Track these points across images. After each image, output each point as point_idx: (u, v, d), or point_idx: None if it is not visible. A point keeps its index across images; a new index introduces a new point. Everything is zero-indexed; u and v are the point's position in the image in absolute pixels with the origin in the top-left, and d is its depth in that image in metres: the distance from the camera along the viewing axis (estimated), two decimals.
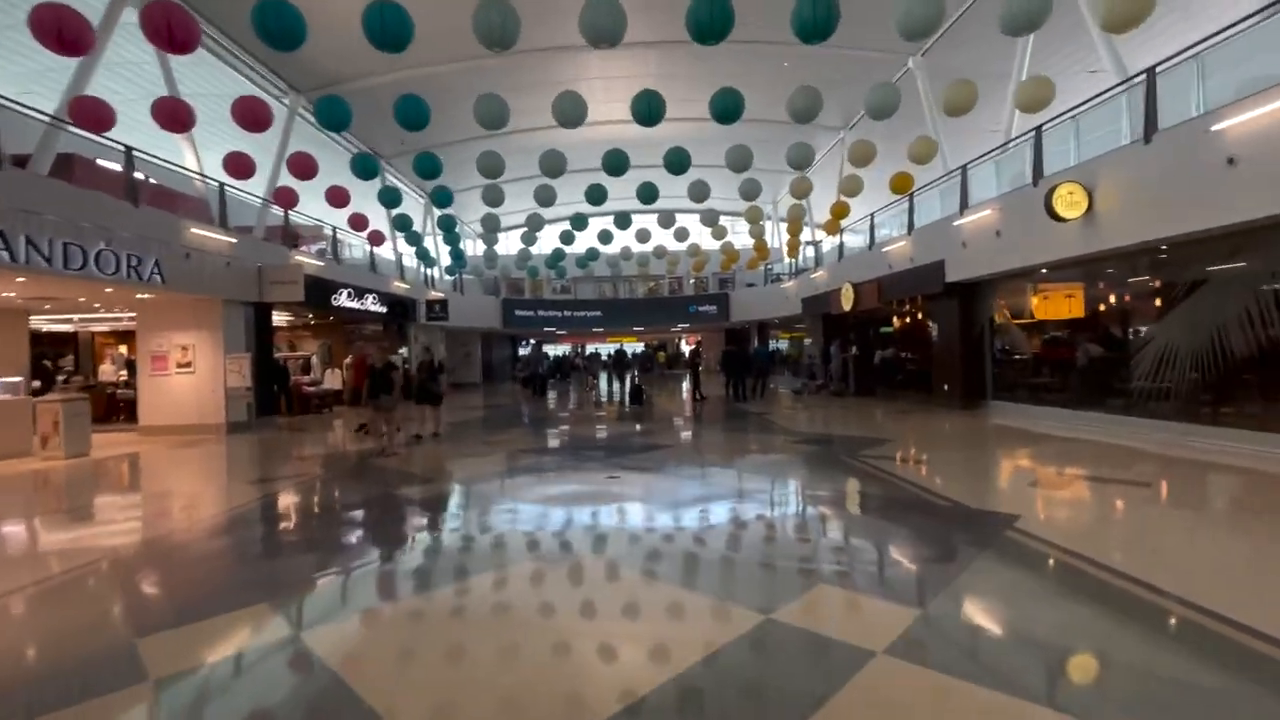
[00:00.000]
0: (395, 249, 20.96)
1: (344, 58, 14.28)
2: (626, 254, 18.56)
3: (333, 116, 7.75)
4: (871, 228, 16.53)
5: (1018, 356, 12.18)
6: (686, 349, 39.07)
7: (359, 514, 5.80)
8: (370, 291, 17.44)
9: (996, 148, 11.91)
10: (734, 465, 7.39)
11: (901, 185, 12.12)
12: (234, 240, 12.11)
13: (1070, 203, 8.90)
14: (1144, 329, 9.21)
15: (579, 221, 15.39)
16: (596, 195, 13.07)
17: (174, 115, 7.49)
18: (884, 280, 15.40)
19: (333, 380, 18.75)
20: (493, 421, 13.22)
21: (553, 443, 10.00)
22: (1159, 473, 6.38)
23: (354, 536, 5.10)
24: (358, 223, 14.24)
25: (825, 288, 19.10)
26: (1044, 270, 10.79)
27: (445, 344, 26.37)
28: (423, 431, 10.37)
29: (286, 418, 15.10)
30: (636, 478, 6.78)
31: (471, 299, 26.91)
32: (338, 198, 13.62)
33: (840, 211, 13.91)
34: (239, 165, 9.94)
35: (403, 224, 13.66)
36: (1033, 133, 10.30)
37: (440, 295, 22.07)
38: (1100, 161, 8.88)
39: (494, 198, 13.03)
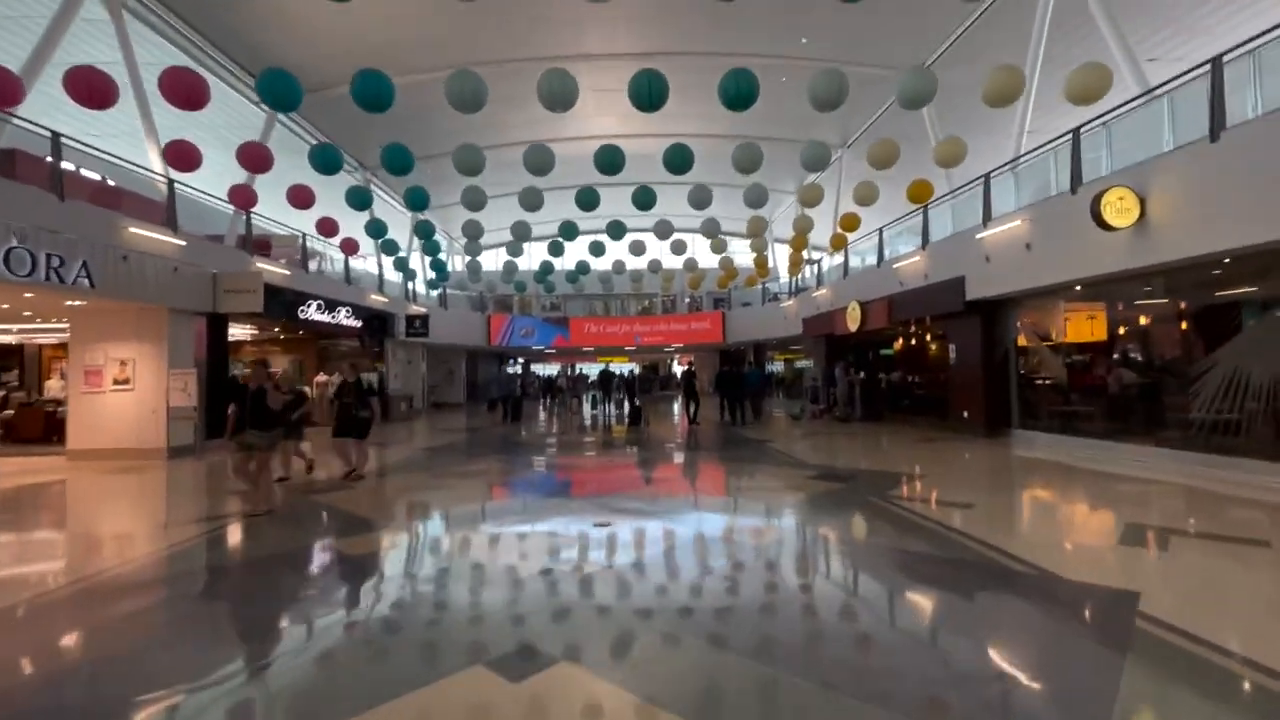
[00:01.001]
0: (379, 263, 19.79)
1: (327, 60, 13.27)
2: (619, 268, 17.49)
3: (276, 92, 6.62)
4: (880, 243, 15.59)
5: (1045, 381, 11.13)
6: (678, 370, 38.02)
7: (241, 585, 4.55)
8: (343, 305, 16.23)
9: (1028, 152, 10.97)
10: (746, 511, 6.21)
11: (920, 194, 11.17)
12: (182, 243, 10.90)
13: (1120, 210, 7.92)
14: (1202, 353, 8.18)
15: (568, 231, 14.23)
16: (588, 199, 11.95)
17: (90, 86, 6.33)
18: (895, 298, 14.40)
19: None
20: (461, 450, 11.95)
21: (527, 477, 8.77)
22: (1269, 525, 5.25)
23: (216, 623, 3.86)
24: (326, 228, 13.08)
25: (828, 307, 18.11)
26: (1078, 287, 9.81)
27: (426, 362, 25.13)
28: (353, 467, 7.83)
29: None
30: (629, 528, 5.58)
31: (456, 314, 25.71)
32: (300, 197, 12.45)
33: (850, 224, 12.94)
34: (182, 155, 8.78)
35: (377, 230, 12.51)
36: (1069, 136, 9.38)
37: (421, 310, 20.87)
38: (1155, 164, 7.92)
39: (475, 200, 11.88)
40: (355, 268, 19.30)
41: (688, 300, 30.59)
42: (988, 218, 11.15)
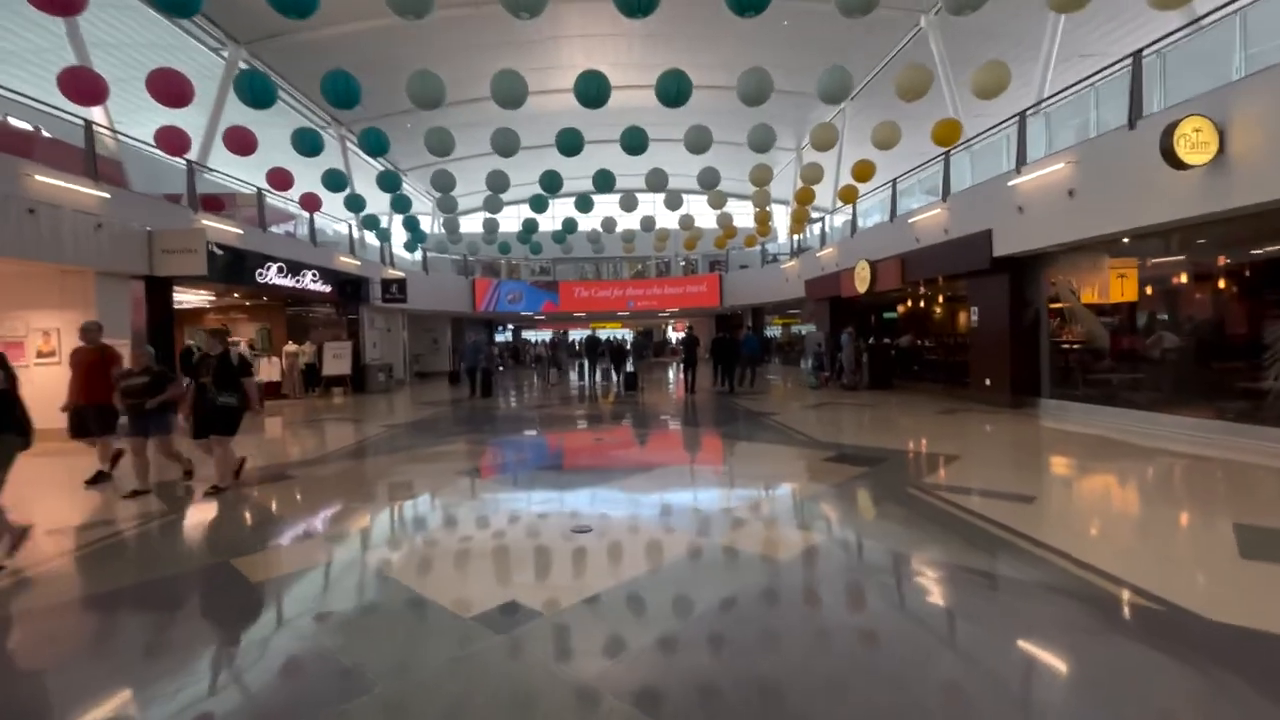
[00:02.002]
0: (350, 224, 18.31)
1: None
2: (610, 225, 16.11)
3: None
4: (894, 196, 14.28)
5: (1077, 346, 10.06)
6: (674, 336, 36.88)
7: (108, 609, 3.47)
8: (309, 267, 14.91)
9: (1083, 80, 9.61)
10: (759, 515, 5.10)
11: (947, 134, 9.88)
12: (105, 195, 9.53)
13: (1195, 143, 6.70)
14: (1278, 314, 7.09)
15: (550, 182, 12.80)
16: (570, 142, 10.57)
17: None
18: (908, 257, 13.22)
19: (269, 370, 16.25)
20: (422, 431, 10.85)
21: (497, 457, 7.71)
22: None
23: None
24: (278, 181, 11.65)
25: (833, 267, 16.92)
26: (1126, 240, 8.66)
27: (409, 330, 23.85)
28: (219, 482, 5.81)
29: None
30: (619, 530, 4.53)
31: (438, 279, 24.36)
32: (240, 141, 11.05)
33: (864, 172, 11.63)
34: (82, 85, 7.39)
35: (334, 182, 11.11)
36: (1128, 61, 8.07)
37: (399, 274, 19.51)
38: (1239, 89, 6.68)
39: (442, 142, 10.52)
40: (332, 230, 17.91)
41: (683, 263, 29.27)
42: (1022, 162, 9.89)
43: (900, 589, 3.47)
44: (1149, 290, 8.78)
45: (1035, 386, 10.53)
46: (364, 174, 19.76)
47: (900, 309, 21.74)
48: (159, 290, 10.71)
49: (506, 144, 10.53)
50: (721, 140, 14.33)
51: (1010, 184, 9.96)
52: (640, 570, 3.73)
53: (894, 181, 14.25)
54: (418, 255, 23.94)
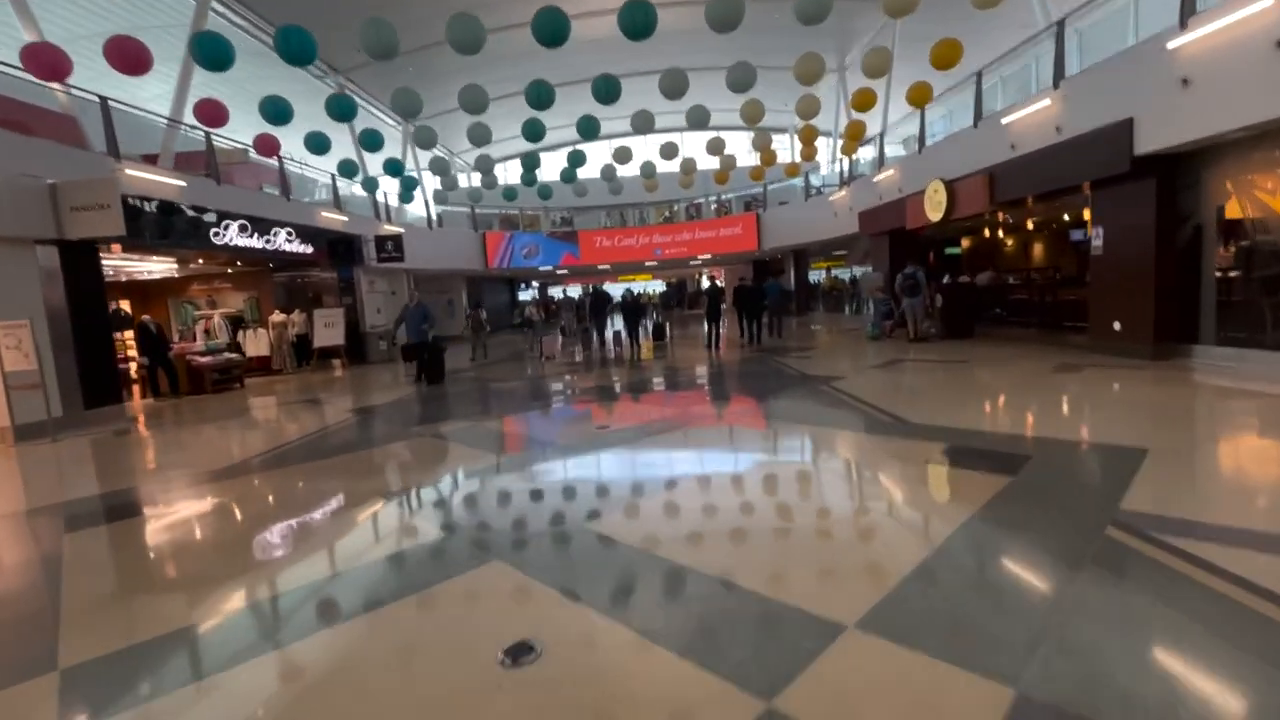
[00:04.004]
0: (366, 173, 16.28)
1: None
2: (624, 156, 13.61)
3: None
4: (978, 92, 11.27)
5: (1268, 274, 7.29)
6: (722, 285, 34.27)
7: None
8: (281, 225, 12.97)
9: None
10: (849, 595, 2.97)
11: None
12: None
13: None
14: None
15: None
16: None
17: None
18: (1000, 170, 10.39)
19: (255, 344, 14.62)
20: (392, 414, 8.93)
21: (435, 482, 5.69)
22: None
23: None
24: (209, 114, 9.48)
25: (895, 194, 14.06)
26: None
27: (418, 292, 22.03)
28: None
29: (170, 400, 11.05)
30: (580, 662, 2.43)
31: (445, 234, 22.28)
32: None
33: (947, 55, 8.72)
34: None
35: (276, 111, 8.91)
36: None
37: (395, 230, 17.47)
38: None
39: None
40: (297, 177, 15.92)
41: (714, 205, 26.33)
42: (1190, 12, 6.96)
43: None
44: None
45: (1190, 330, 7.85)
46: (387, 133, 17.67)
47: (965, 242, 18.82)
48: (82, 257, 8.91)
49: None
50: (763, 65, 11.81)
51: (1169, 45, 7.07)
52: None
53: (978, 75, 11.22)
54: (432, 209, 21.95)
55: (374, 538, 3.79)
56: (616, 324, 14.47)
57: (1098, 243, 8.81)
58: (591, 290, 14.19)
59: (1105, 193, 8.57)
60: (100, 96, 9.47)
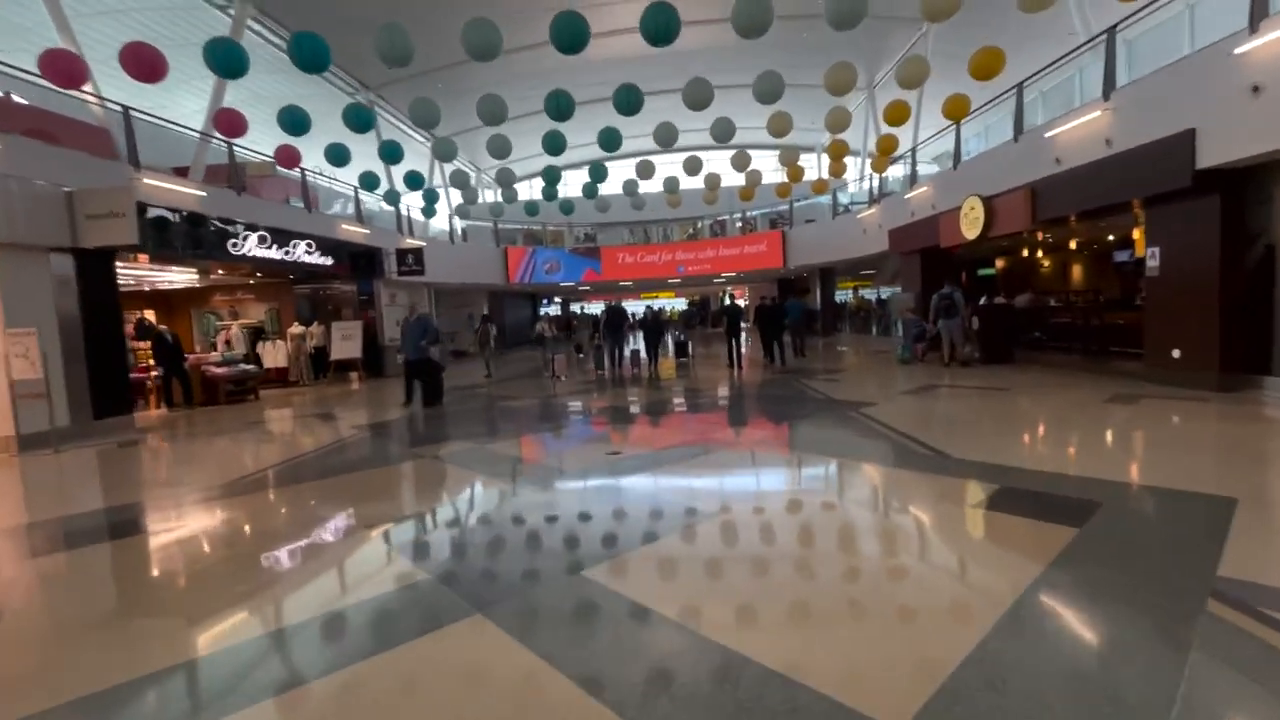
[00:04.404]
0: (392, 185, 16.34)
1: None
2: (647, 170, 13.33)
3: None
4: (1019, 104, 10.73)
5: None
6: (739, 304, 33.83)
7: None
8: (302, 237, 12.92)
9: None
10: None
11: None
12: None
13: None
14: None
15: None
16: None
17: None
18: (1042, 186, 9.82)
19: (273, 356, 14.57)
20: (396, 434, 8.61)
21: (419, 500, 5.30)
22: None
23: None
24: (228, 125, 9.41)
25: (928, 211, 13.51)
26: None
27: (440, 306, 21.97)
28: None
29: (183, 411, 10.93)
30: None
31: (467, 249, 22.26)
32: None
33: (989, 64, 8.23)
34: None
35: (294, 121, 8.77)
36: None
37: (416, 244, 17.41)
38: None
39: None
40: (321, 190, 15.98)
41: (739, 223, 25.91)
42: (1263, 15, 6.39)
43: None
44: None
45: (1261, 360, 7.15)
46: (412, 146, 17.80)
47: (999, 263, 18.08)
48: (94, 266, 8.84)
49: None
50: (791, 84, 11.60)
51: (1237, 51, 6.50)
52: None
53: (1019, 87, 10.69)
54: (455, 223, 21.95)
55: (337, 585, 3.39)
56: (636, 342, 14.03)
57: (1153, 263, 8.16)
58: (608, 306, 13.72)
59: (1162, 210, 7.95)
60: (122, 106, 9.47)
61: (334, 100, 16.78)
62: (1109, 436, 5.76)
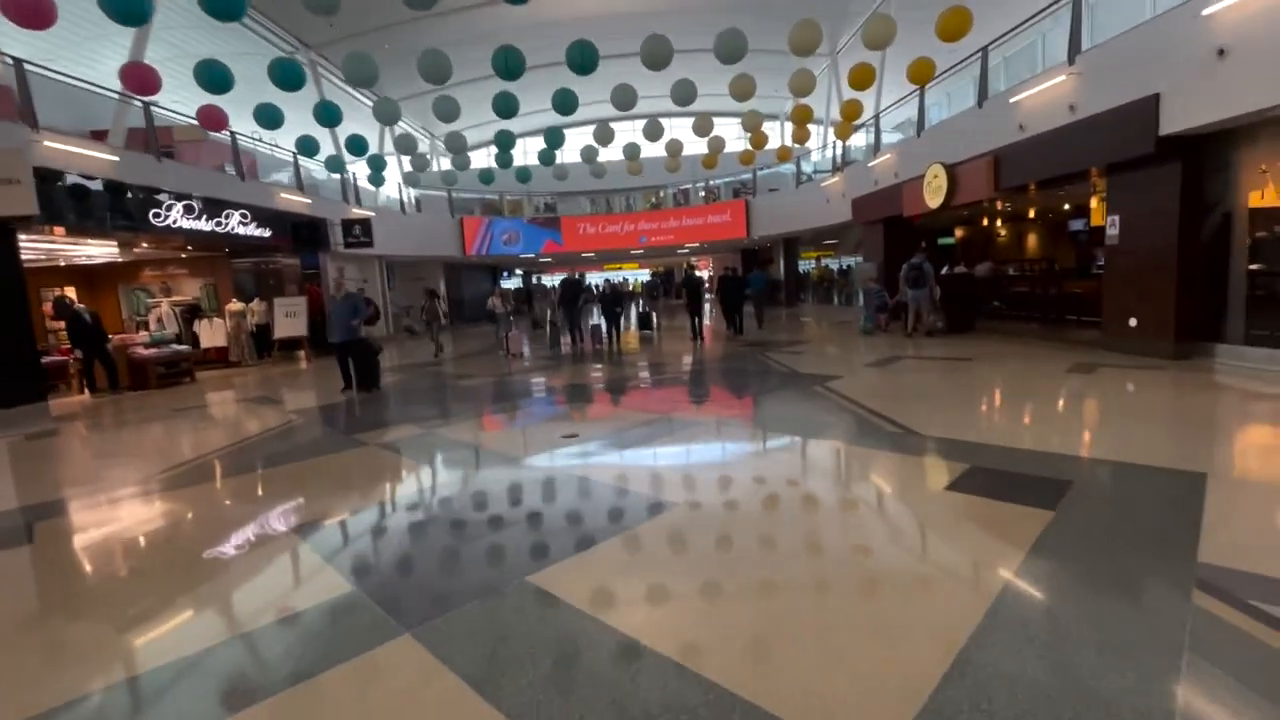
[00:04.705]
0: (339, 152, 15.22)
1: None
2: (632, 151, 12.79)
3: None
4: (983, 69, 10.54)
5: None
6: (703, 275, 33.63)
7: None
8: (235, 207, 11.99)
9: None
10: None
11: None
12: None
13: None
14: None
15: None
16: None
17: None
18: (1006, 153, 9.71)
19: (210, 335, 13.68)
20: (333, 419, 8.12)
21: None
22: None
23: None
24: (138, 80, 8.44)
25: (892, 179, 13.35)
26: None
27: (397, 280, 21.07)
28: None
29: (109, 397, 10.13)
30: None
31: (420, 220, 21.31)
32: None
33: (955, 24, 7.95)
34: None
35: (212, 76, 7.92)
36: None
37: (362, 214, 16.50)
38: None
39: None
40: (260, 156, 14.92)
41: (702, 193, 25.46)
42: None
43: None
44: None
45: (1215, 328, 7.23)
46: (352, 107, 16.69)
47: (958, 233, 18.19)
48: None
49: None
50: (753, 49, 11.17)
51: (1205, 12, 6.37)
52: None
53: (984, 50, 10.48)
54: (408, 193, 20.90)
55: (251, 599, 3.01)
56: (596, 316, 13.61)
57: (1113, 231, 8.15)
58: (562, 279, 13.17)
59: (1123, 177, 7.89)
60: (13, 58, 8.45)
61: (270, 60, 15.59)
62: (1070, 409, 5.71)
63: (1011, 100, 9.42)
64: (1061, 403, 5.90)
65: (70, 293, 13.60)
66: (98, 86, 10.71)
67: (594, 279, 30.75)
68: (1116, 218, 8.10)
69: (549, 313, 14.31)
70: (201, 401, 9.30)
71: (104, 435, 7.33)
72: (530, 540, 3.37)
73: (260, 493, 4.62)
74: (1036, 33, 11.00)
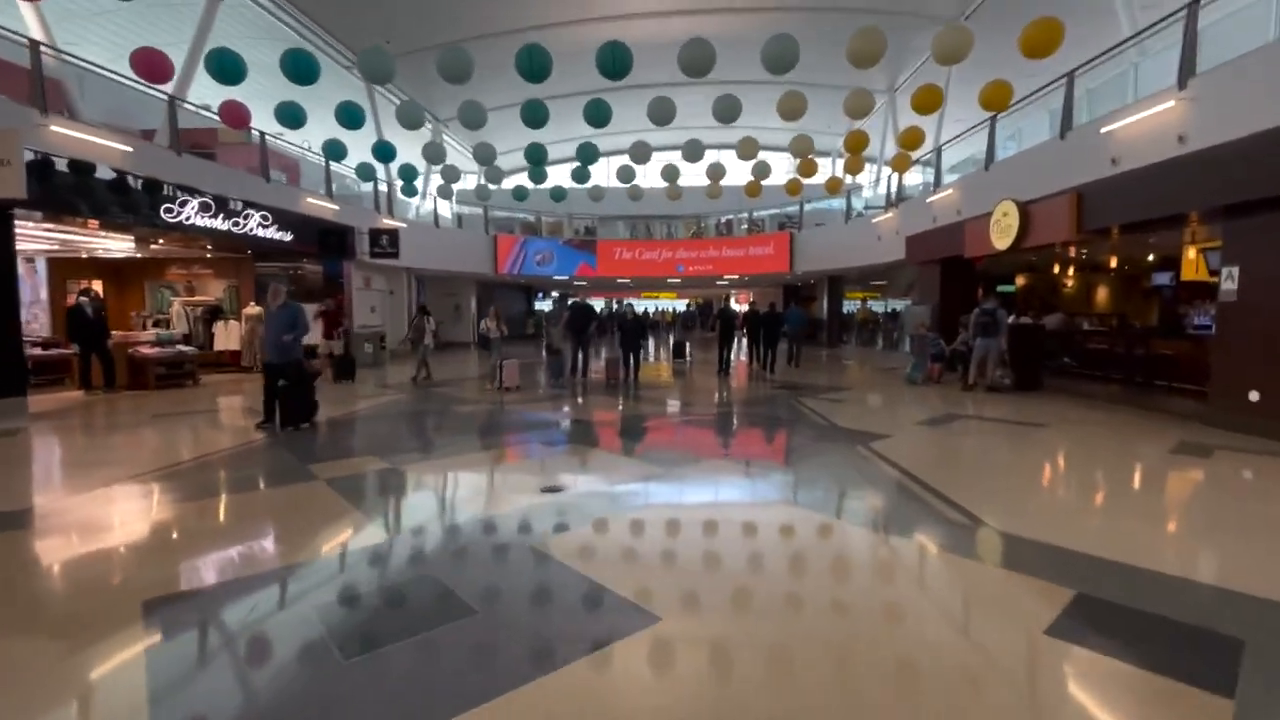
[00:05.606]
0: (385, 157, 14.90)
1: None
2: (671, 173, 12.10)
3: None
4: (1068, 97, 9.36)
5: None
6: (739, 310, 32.52)
7: None
8: (256, 208, 11.61)
9: None
10: None
11: None
12: None
13: None
14: None
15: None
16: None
17: None
18: (1092, 190, 8.46)
19: (225, 337, 13.31)
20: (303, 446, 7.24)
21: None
22: None
23: None
24: (148, 66, 8.03)
25: (952, 217, 12.15)
26: None
27: (426, 293, 20.68)
28: None
29: (101, 395, 9.66)
30: None
31: (453, 234, 20.97)
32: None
33: (1044, 37, 6.88)
34: None
35: (223, 66, 7.46)
36: None
37: (393, 224, 16.12)
38: None
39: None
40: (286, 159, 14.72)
41: (745, 225, 24.48)
42: None
43: None
44: None
45: None
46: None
47: (1019, 279, 16.70)
48: None
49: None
50: (807, 84, 10.25)
51: None
52: None
53: (1069, 75, 9.33)
54: (446, 207, 20.65)
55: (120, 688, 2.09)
56: (614, 347, 12.48)
57: (1229, 285, 6.80)
58: (570, 303, 12.10)
59: (1248, 222, 6.59)
60: (31, 40, 8.18)
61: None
62: (1201, 509, 4.42)
63: (1103, 130, 8.21)
64: (1181, 498, 4.61)
65: (97, 285, 13.48)
66: (146, 86, 10.50)
67: (631, 305, 29.94)
68: (1235, 269, 6.76)
69: (555, 339, 12.91)
70: (187, 408, 8.68)
71: (59, 439, 6.69)
72: (460, 666, 2.37)
73: (210, 524, 3.76)
74: (1127, 62, 9.78)
